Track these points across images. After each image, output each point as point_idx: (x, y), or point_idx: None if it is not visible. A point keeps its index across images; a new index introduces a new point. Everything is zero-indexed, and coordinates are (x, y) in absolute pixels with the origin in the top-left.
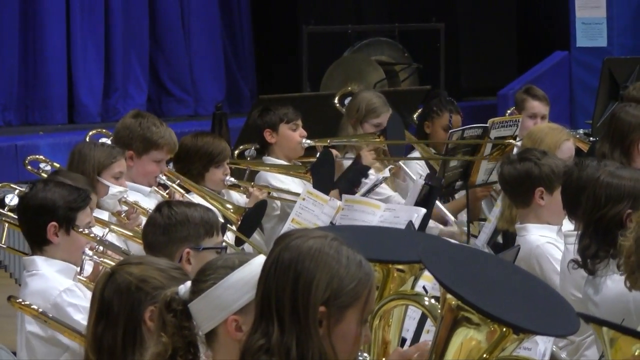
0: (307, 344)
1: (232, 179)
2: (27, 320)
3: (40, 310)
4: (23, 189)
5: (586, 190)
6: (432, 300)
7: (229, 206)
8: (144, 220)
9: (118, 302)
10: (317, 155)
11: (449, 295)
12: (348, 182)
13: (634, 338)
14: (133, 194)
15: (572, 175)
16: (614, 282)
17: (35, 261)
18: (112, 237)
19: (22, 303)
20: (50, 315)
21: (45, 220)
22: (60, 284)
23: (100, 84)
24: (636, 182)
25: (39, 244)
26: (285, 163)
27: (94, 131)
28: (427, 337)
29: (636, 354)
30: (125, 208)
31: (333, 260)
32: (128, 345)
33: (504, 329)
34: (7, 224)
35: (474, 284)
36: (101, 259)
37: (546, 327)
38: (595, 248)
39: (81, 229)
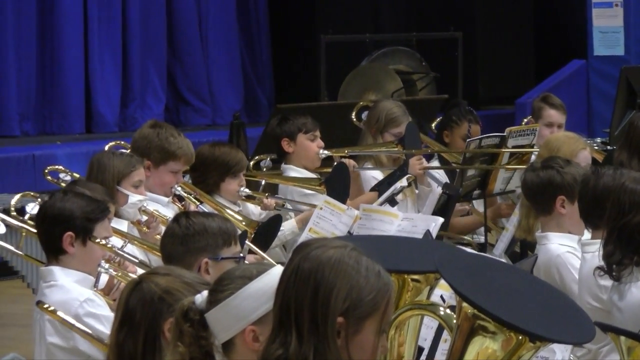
0: (324, 355)
1: (247, 190)
2: (48, 332)
3: (64, 317)
4: (45, 198)
5: (608, 197)
6: (448, 310)
7: (240, 219)
8: (164, 229)
9: (141, 311)
10: (332, 168)
11: (464, 304)
12: (390, 187)
13: None
14: (151, 204)
15: (588, 184)
16: (638, 289)
17: (53, 272)
18: (132, 248)
19: (50, 309)
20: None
21: (62, 230)
22: (80, 294)
23: (118, 93)
24: None
25: (54, 253)
26: (303, 172)
27: (112, 143)
28: (445, 346)
29: None
30: (145, 217)
31: (353, 271)
32: (148, 355)
33: (520, 337)
34: (24, 232)
35: (489, 293)
36: (116, 273)
37: (562, 334)
38: (620, 255)
39: (98, 240)
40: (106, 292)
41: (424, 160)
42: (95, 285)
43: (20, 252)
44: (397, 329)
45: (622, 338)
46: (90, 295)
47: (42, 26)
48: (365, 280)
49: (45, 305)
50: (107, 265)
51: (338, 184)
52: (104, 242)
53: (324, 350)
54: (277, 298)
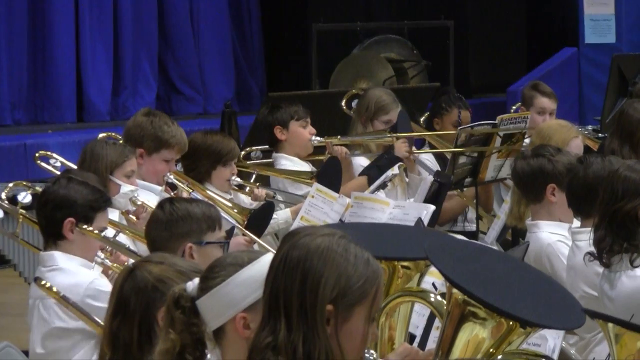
0: (314, 342)
1: (239, 180)
2: (54, 316)
3: (62, 294)
4: (37, 188)
5: (598, 186)
6: (438, 297)
7: (232, 206)
8: None
9: (135, 299)
10: (324, 162)
11: (455, 290)
12: (379, 170)
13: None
14: (144, 192)
15: (577, 174)
16: (629, 278)
17: (54, 256)
18: (123, 238)
19: (47, 286)
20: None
21: (63, 215)
22: (87, 275)
23: (110, 82)
24: None
25: (54, 238)
26: (294, 160)
27: (103, 135)
28: (437, 333)
29: None
30: (134, 208)
31: (341, 258)
32: (144, 344)
33: (511, 323)
34: (21, 218)
35: (480, 279)
36: (112, 263)
37: (552, 320)
38: (610, 241)
39: (86, 227)
40: None
41: (408, 143)
42: None
43: (18, 236)
44: (387, 316)
45: (610, 325)
46: (97, 277)
47: (33, 15)
48: (354, 268)
49: (43, 282)
50: (103, 256)
51: (329, 179)
52: (96, 231)
53: (313, 337)
54: (267, 286)
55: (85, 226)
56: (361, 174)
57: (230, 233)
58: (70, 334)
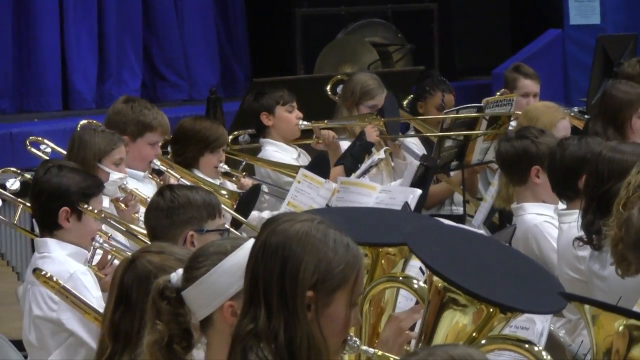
0: (295, 328)
1: (226, 167)
2: (36, 304)
3: (62, 285)
4: (26, 175)
5: (578, 167)
6: (422, 284)
7: (223, 192)
8: (142, 208)
9: (137, 290)
10: (313, 157)
11: (435, 278)
12: (353, 158)
13: (616, 314)
14: (130, 180)
15: (555, 157)
16: None
17: (47, 243)
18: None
19: (46, 276)
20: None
21: (58, 205)
22: (71, 266)
23: (95, 70)
24: (639, 157)
25: (49, 228)
26: (281, 146)
27: (84, 121)
28: None
29: (619, 330)
30: (123, 195)
31: (320, 244)
32: (144, 332)
33: (491, 309)
34: (21, 206)
35: (460, 265)
36: (111, 248)
37: (533, 305)
38: (600, 224)
39: (88, 207)
40: (100, 267)
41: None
42: (90, 260)
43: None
44: (371, 302)
45: (587, 307)
46: (80, 269)
47: (17, 3)
48: (334, 253)
49: (43, 273)
50: (101, 240)
51: (317, 173)
52: (95, 211)
53: (294, 324)
54: (247, 273)
55: (86, 206)
56: (336, 164)
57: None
58: (49, 325)
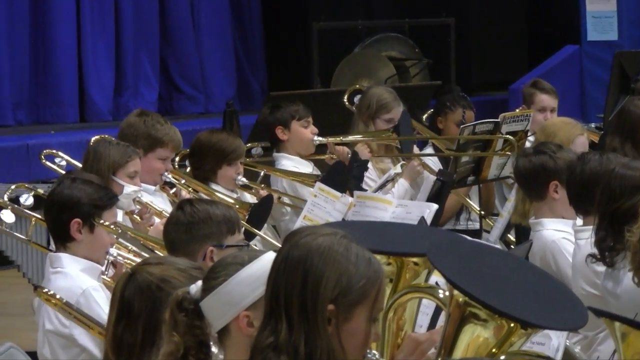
0: (315, 342)
1: (244, 179)
2: (48, 319)
3: (65, 301)
4: (39, 190)
5: (596, 183)
6: (447, 293)
7: (232, 202)
8: (156, 220)
9: (139, 302)
10: (329, 167)
11: (456, 292)
12: (356, 180)
13: None
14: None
15: (575, 170)
16: None
17: (60, 258)
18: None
19: (48, 293)
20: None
21: (69, 217)
22: (83, 282)
23: (111, 82)
24: None
25: (62, 240)
26: (296, 160)
27: (97, 137)
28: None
29: None
30: (138, 207)
31: (342, 258)
32: (147, 345)
33: (512, 324)
34: (34, 220)
35: (481, 280)
36: (125, 260)
37: (554, 321)
38: (612, 241)
39: (102, 221)
40: (115, 279)
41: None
42: (104, 272)
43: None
44: (395, 312)
45: (617, 324)
46: (93, 285)
47: (34, 15)
48: (355, 268)
49: (45, 290)
50: (115, 253)
51: (334, 183)
52: (107, 223)
53: (314, 337)
54: (268, 286)
55: (102, 221)
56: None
57: None
58: (62, 340)
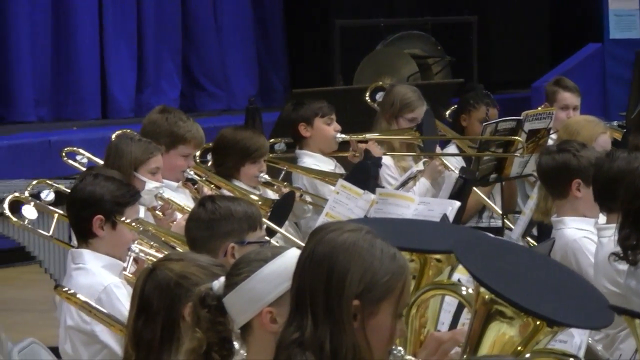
0: (340, 338)
1: (267, 177)
2: (69, 315)
3: (84, 299)
4: (59, 186)
5: (622, 180)
6: (470, 290)
7: (256, 199)
8: (178, 216)
9: (158, 298)
10: (353, 166)
11: (482, 289)
12: (374, 179)
13: None
14: (165, 190)
15: (602, 167)
16: None
17: (82, 254)
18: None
19: (68, 292)
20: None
21: (91, 213)
22: (104, 279)
23: (133, 79)
24: None
25: (84, 236)
26: (318, 157)
27: (119, 132)
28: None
29: None
30: (160, 203)
31: (367, 254)
32: (166, 341)
33: (538, 322)
34: (57, 216)
35: (507, 277)
36: (147, 256)
37: (579, 319)
38: (635, 239)
39: (124, 219)
40: (137, 275)
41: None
42: (126, 268)
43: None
44: (418, 309)
45: (637, 321)
46: (114, 282)
47: (57, 12)
48: (380, 263)
49: (65, 289)
50: (137, 249)
51: (357, 182)
52: (128, 220)
53: (340, 333)
54: (294, 282)
55: (123, 218)
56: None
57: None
58: (83, 336)
